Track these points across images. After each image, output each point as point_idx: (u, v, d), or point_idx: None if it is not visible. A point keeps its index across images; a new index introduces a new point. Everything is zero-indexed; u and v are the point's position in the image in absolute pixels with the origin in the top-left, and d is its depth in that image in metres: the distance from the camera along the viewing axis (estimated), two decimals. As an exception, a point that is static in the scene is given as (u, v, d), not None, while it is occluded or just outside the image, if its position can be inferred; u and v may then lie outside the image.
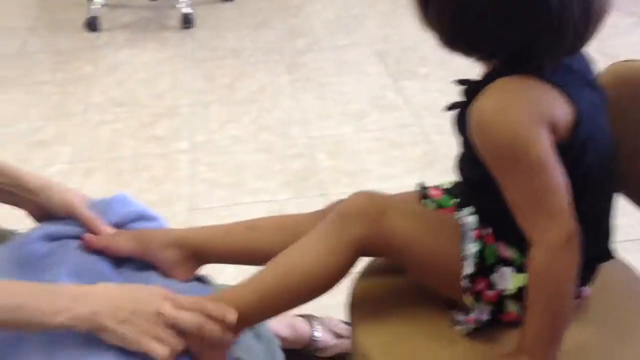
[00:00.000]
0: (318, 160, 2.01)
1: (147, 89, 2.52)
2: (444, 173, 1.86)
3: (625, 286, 0.96)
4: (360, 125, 2.20)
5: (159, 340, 0.79)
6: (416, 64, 2.57)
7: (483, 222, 0.88)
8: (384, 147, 2.07)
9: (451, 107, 0.87)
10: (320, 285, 0.89)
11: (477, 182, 0.87)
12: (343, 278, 0.90)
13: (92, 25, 3.03)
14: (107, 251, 0.95)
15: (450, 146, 2.01)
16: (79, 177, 2.00)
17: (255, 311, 0.89)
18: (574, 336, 0.83)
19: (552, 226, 0.77)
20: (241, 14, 3.16)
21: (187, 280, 0.99)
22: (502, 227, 0.85)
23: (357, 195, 0.90)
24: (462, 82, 0.86)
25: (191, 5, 3.08)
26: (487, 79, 0.80)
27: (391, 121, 2.20)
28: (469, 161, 0.87)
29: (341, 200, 0.92)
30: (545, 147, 0.76)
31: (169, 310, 0.81)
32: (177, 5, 3.03)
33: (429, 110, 2.24)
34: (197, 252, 1.00)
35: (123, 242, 0.97)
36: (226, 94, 2.45)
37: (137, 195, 1.87)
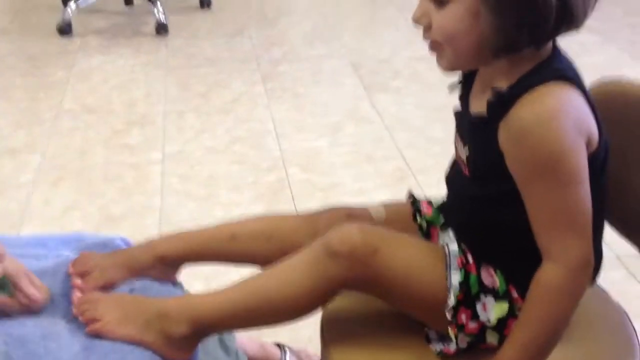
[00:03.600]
0: (291, 174, 2.01)
1: (120, 96, 2.49)
2: (416, 188, 1.89)
3: (597, 308, 0.97)
4: (334, 138, 2.20)
5: None
6: (390, 77, 2.58)
7: (470, 242, 0.87)
8: (357, 161, 2.07)
9: (464, 119, 0.86)
10: (294, 314, 0.88)
11: (478, 198, 0.86)
12: (318, 310, 0.89)
13: (65, 30, 3.00)
14: (103, 289, 0.93)
15: (422, 162, 2.04)
16: (48, 186, 1.97)
17: (216, 321, 0.88)
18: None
19: (575, 244, 0.77)
20: (217, 23, 3.15)
21: (162, 282, 0.98)
22: (492, 248, 0.85)
23: (349, 229, 0.86)
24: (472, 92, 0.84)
25: (166, 12, 3.06)
26: (519, 86, 0.78)
27: (365, 134, 2.21)
28: (479, 173, 0.85)
29: (331, 231, 0.87)
30: (584, 161, 0.76)
31: None
32: (152, 12, 3.01)
33: (402, 124, 2.25)
34: (180, 263, 1.00)
35: (115, 275, 0.95)
36: (201, 103, 2.44)
37: (107, 206, 1.87)
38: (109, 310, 0.85)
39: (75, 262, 0.94)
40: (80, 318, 0.85)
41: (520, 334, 0.80)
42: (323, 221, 0.96)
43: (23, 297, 0.86)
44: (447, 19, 0.77)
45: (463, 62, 0.83)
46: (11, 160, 2.11)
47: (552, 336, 0.79)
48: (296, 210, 1.84)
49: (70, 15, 3.01)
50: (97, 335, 0.84)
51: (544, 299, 0.78)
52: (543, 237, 0.78)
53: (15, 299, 0.86)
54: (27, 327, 0.84)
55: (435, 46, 0.81)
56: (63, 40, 2.97)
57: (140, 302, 0.89)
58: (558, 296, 0.78)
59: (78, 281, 0.92)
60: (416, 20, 0.81)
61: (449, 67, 0.83)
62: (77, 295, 0.89)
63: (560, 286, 0.77)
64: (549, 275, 0.78)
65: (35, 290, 0.87)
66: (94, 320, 0.84)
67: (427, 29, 0.80)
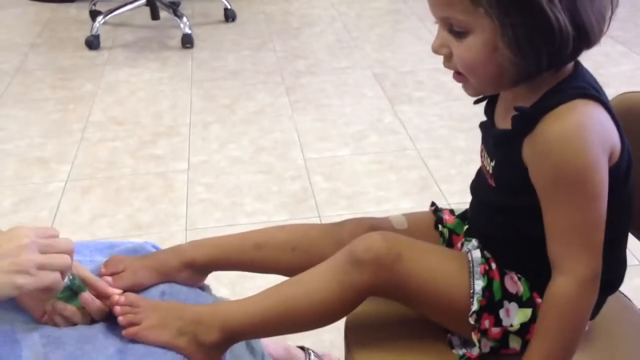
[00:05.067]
0: (315, 182, 2.03)
1: (147, 108, 2.54)
2: (439, 197, 1.90)
3: (620, 316, 0.97)
4: (357, 147, 2.22)
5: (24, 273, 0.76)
6: (413, 88, 2.60)
7: (494, 251, 0.88)
8: (380, 170, 2.09)
9: (489, 132, 0.88)
10: (320, 322, 0.90)
11: (503, 208, 0.87)
12: (345, 316, 0.91)
13: (93, 43, 3.06)
14: (131, 289, 0.95)
15: (446, 171, 2.05)
16: (77, 194, 2.02)
17: (246, 329, 0.90)
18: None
19: (586, 259, 0.78)
20: (241, 35, 3.20)
21: (190, 286, 1.00)
22: (516, 258, 0.86)
23: (373, 237, 0.88)
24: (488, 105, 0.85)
25: (192, 26, 3.11)
26: (542, 104, 0.79)
27: (388, 144, 2.23)
28: (504, 186, 0.86)
29: (355, 240, 0.89)
30: (604, 177, 0.78)
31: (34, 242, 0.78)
32: (178, 25, 3.06)
33: (425, 134, 2.27)
34: (209, 269, 1.02)
35: (144, 277, 0.97)
36: (226, 114, 2.47)
37: (134, 214, 1.91)
38: (148, 315, 0.87)
39: (106, 264, 0.97)
40: (119, 319, 0.87)
41: (536, 347, 0.81)
42: (346, 232, 0.98)
43: (102, 298, 0.89)
44: (466, 51, 0.79)
45: (488, 89, 0.85)
46: (42, 169, 2.16)
47: (566, 348, 0.81)
48: (320, 218, 1.86)
49: (98, 29, 3.08)
50: (132, 339, 0.86)
51: (555, 312, 0.80)
52: (556, 250, 0.80)
53: (82, 311, 0.88)
54: (63, 329, 0.87)
55: (459, 77, 0.83)
56: (91, 54, 3.03)
57: (176, 309, 0.91)
58: (568, 309, 0.79)
59: (109, 279, 0.94)
60: (435, 51, 0.83)
61: (475, 94, 0.86)
62: (119, 297, 0.90)
63: (570, 299, 0.79)
64: (559, 289, 0.79)
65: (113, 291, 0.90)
66: (132, 324, 0.87)
67: (448, 59, 0.82)
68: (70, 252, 0.82)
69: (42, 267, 0.78)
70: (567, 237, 0.79)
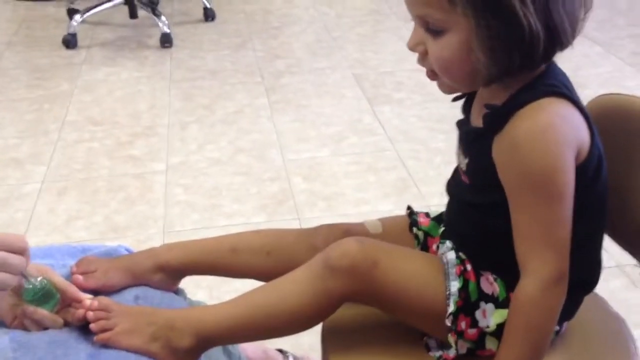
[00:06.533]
0: (294, 184, 2.02)
1: (124, 108, 2.51)
2: (418, 198, 1.90)
3: (596, 318, 0.97)
4: (337, 148, 2.21)
5: None
6: (392, 88, 2.60)
7: (469, 252, 0.88)
8: (359, 171, 2.08)
9: (464, 130, 0.88)
10: (295, 328, 0.89)
11: (477, 205, 0.87)
12: (321, 322, 0.91)
13: (70, 42, 3.02)
14: (102, 290, 0.94)
15: (425, 172, 2.05)
16: (52, 196, 1.99)
17: (220, 335, 0.89)
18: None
19: (552, 259, 0.78)
20: (221, 35, 3.18)
21: (164, 290, 0.99)
22: (492, 257, 0.86)
23: (348, 244, 0.87)
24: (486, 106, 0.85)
25: (171, 25, 3.09)
26: (513, 102, 0.79)
27: (367, 145, 2.22)
28: (477, 183, 0.86)
29: (331, 246, 0.88)
30: (570, 177, 0.78)
31: None
32: (157, 24, 3.04)
33: (404, 135, 2.27)
34: (183, 272, 1.01)
35: (115, 278, 0.96)
36: (204, 114, 2.46)
37: (110, 216, 1.89)
38: (120, 320, 0.86)
39: (78, 263, 0.96)
40: (91, 326, 0.85)
41: (505, 349, 0.82)
42: (320, 237, 0.98)
43: (74, 303, 0.87)
44: (441, 50, 0.79)
45: (461, 87, 0.86)
46: (17, 170, 2.12)
47: (535, 348, 0.81)
48: (299, 220, 1.85)
49: (76, 27, 3.04)
50: (104, 344, 0.85)
51: (521, 313, 0.80)
52: (522, 250, 0.80)
53: (53, 315, 0.86)
54: (33, 333, 0.85)
55: (433, 75, 0.83)
56: (68, 53, 3.00)
57: (149, 314, 0.89)
58: (534, 310, 0.79)
59: (80, 277, 0.93)
60: (411, 48, 0.83)
61: (449, 92, 0.86)
62: (92, 302, 0.88)
63: (535, 301, 0.79)
64: (526, 290, 0.79)
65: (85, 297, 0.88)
66: (105, 329, 0.85)
67: (423, 57, 0.82)
68: (20, 271, 0.79)
69: None
70: (532, 237, 0.79)
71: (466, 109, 0.91)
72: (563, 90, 0.79)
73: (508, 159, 0.79)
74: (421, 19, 0.80)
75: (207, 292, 1.52)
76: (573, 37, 0.78)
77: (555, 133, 0.77)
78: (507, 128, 0.78)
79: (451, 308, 0.85)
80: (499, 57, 0.76)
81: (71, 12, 3.19)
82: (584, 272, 0.86)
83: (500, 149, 0.79)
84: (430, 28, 0.79)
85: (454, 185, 0.94)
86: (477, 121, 0.86)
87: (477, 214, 0.88)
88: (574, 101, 0.79)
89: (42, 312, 0.86)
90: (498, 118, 0.79)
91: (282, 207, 1.92)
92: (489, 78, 0.79)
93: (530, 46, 0.75)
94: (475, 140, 0.85)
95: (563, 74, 0.83)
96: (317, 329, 0.95)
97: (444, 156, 2.13)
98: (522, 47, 0.75)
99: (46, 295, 0.86)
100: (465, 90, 0.88)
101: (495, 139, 0.80)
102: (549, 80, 0.80)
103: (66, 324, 0.87)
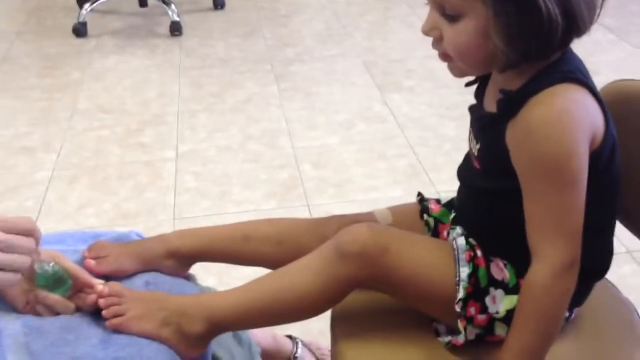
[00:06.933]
0: (304, 171, 2.02)
1: (134, 96, 2.52)
2: (427, 185, 1.89)
3: (607, 304, 0.97)
4: (346, 136, 2.21)
5: None
6: (402, 76, 2.59)
7: (480, 237, 0.88)
8: (369, 158, 2.08)
9: (476, 115, 0.88)
10: (306, 314, 0.89)
11: (488, 191, 0.87)
12: (331, 308, 0.91)
13: (80, 31, 3.03)
14: (113, 275, 0.95)
15: (434, 159, 2.05)
16: (63, 183, 2.00)
17: (231, 321, 0.90)
18: (555, 352, 0.83)
19: (564, 246, 0.78)
20: (230, 23, 3.17)
21: (175, 276, 0.99)
22: (502, 243, 0.86)
23: (359, 229, 0.87)
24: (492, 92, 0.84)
25: (181, 13, 3.09)
26: (528, 88, 0.79)
27: (377, 132, 2.22)
28: (488, 169, 0.86)
29: (341, 232, 0.88)
30: (584, 163, 0.77)
31: None
32: (167, 13, 3.04)
33: (414, 122, 2.26)
34: (194, 259, 1.02)
35: (127, 263, 0.96)
36: (214, 102, 2.46)
37: (121, 203, 1.90)
38: (132, 306, 0.87)
39: (90, 248, 0.96)
40: (103, 312, 0.86)
41: (514, 335, 0.81)
42: (332, 228, 0.98)
43: (86, 289, 0.88)
44: (457, 35, 0.78)
45: (474, 71, 0.85)
46: (28, 158, 2.14)
47: (544, 335, 0.80)
48: (308, 207, 1.85)
49: (86, 16, 3.05)
50: (115, 330, 0.85)
51: (531, 300, 0.80)
52: (534, 236, 0.80)
53: (65, 300, 0.87)
54: (45, 318, 0.86)
55: (445, 57, 0.83)
56: (78, 41, 3.00)
57: (160, 300, 0.90)
58: (544, 296, 0.79)
59: (92, 262, 0.94)
60: (426, 33, 0.82)
61: (460, 75, 0.85)
62: (103, 288, 0.89)
63: (547, 287, 0.79)
64: (536, 276, 0.79)
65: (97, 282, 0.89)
66: (116, 315, 0.86)
67: (438, 41, 0.81)
68: (31, 253, 0.79)
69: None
70: (544, 223, 0.79)
71: (479, 94, 0.90)
72: (578, 76, 0.79)
73: (522, 144, 0.78)
74: (437, 4, 0.79)
75: (217, 278, 1.53)
76: (591, 23, 0.77)
77: (570, 119, 0.76)
78: (521, 113, 0.78)
79: (461, 294, 0.85)
80: (516, 44, 0.75)
81: (81, 1, 3.19)
82: (595, 259, 0.85)
83: (514, 134, 0.79)
84: (446, 13, 0.78)
85: (465, 171, 0.94)
86: (490, 106, 0.85)
87: (488, 200, 0.87)
88: (589, 87, 0.79)
89: (54, 297, 0.86)
90: (513, 103, 0.79)
91: (291, 194, 1.92)
92: (507, 64, 0.78)
93: (549, 33, 0.74)
94: (488, 125, 0.85)
95: (579, 60, 0.82)
96: (327, 315, 0.96)
97: (453, 143, 2.12)
98: (541, 34, 0.74)
99: (58, 280, 0.86)
100: (477, 74, 0.88)
101: (509, 124, 0.79)
102: (564, 66, 0.80)
103: (78, 309, 0.88)
